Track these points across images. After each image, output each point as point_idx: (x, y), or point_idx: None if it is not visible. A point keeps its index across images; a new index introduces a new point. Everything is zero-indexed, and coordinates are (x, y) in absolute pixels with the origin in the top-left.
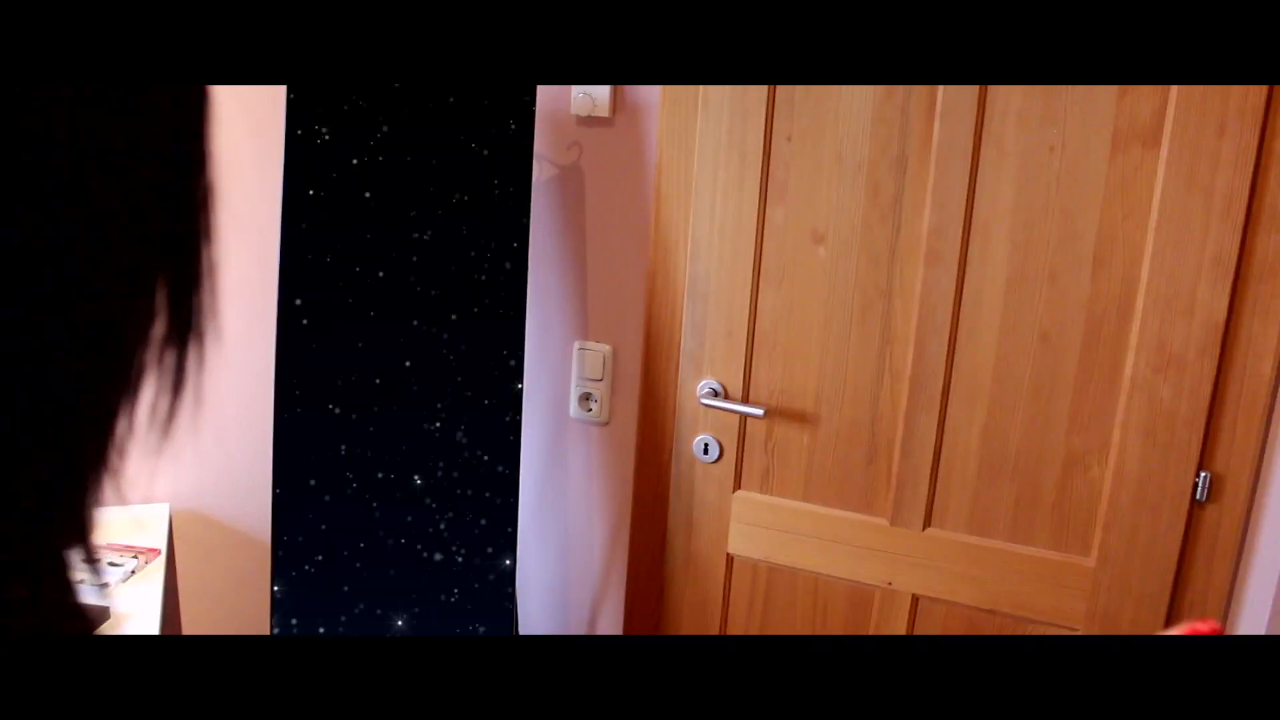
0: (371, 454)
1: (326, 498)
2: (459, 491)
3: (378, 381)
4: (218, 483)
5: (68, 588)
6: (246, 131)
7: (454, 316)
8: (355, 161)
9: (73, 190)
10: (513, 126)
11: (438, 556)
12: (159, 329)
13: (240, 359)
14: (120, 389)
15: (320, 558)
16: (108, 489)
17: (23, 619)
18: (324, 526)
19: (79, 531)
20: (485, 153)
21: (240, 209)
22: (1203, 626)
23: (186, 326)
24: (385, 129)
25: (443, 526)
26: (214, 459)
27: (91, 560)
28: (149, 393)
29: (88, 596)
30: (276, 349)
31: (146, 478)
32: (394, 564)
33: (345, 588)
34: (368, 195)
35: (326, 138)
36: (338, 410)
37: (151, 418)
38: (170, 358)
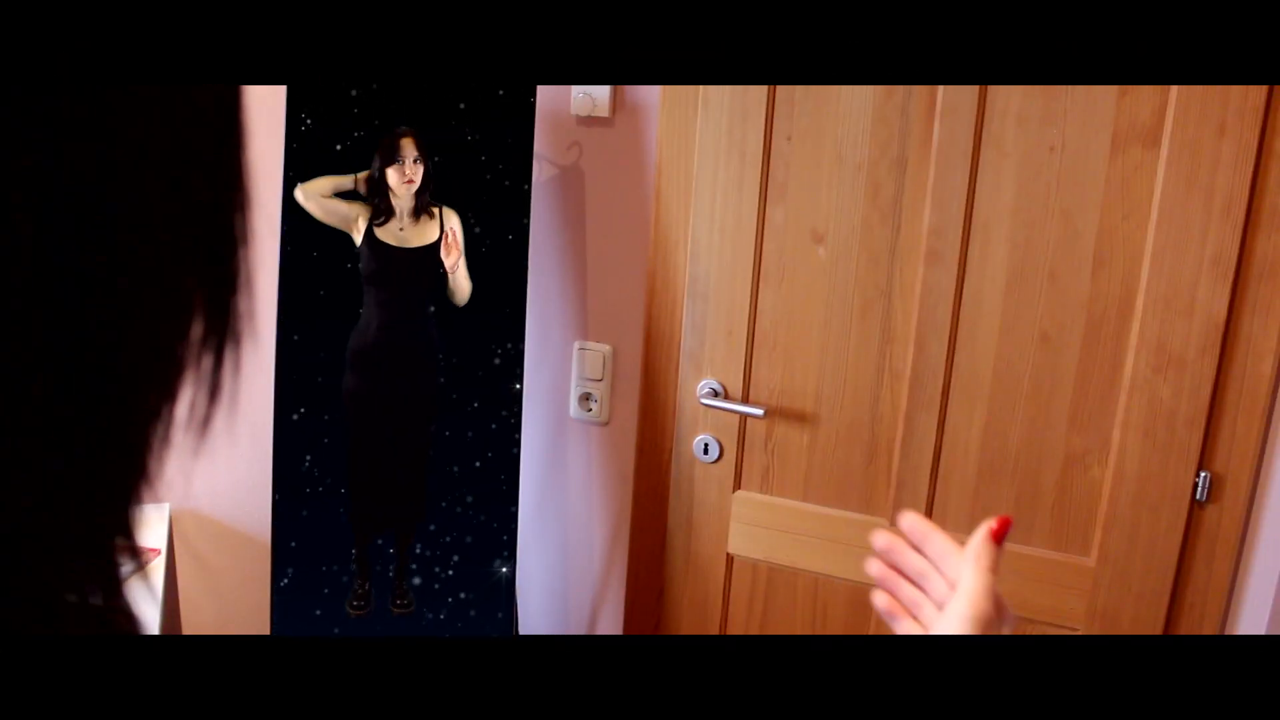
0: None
1: (324, 501)
2: (456, 497)
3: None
4: (217, 483)
5: (116, 589)
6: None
7: (452, 314)
8: (339, 148)
9: (112, 196)
10: (512, 119)
11: (435, 564)
12: (197, 332)
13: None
14: (160, 392)
15: (318, 561)
16: (145, 490)
17: (74, 621)
18: (322, 530)
19: (123, 533)
20: (483, 145)
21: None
22: (995, 524)
23: (224, 331)
24: (381, 123)
25: (440, 532)
26: (214, 459)
27: (136, 561)
28: (187, 395)
29: (136, 597)
30: (276, 349)
31: (184, 479)
32: (387, 572)
33: (342, 592)
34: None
35: (309, 124)
36: (336, 412)
37: (189, 420)
38: (208, 361)
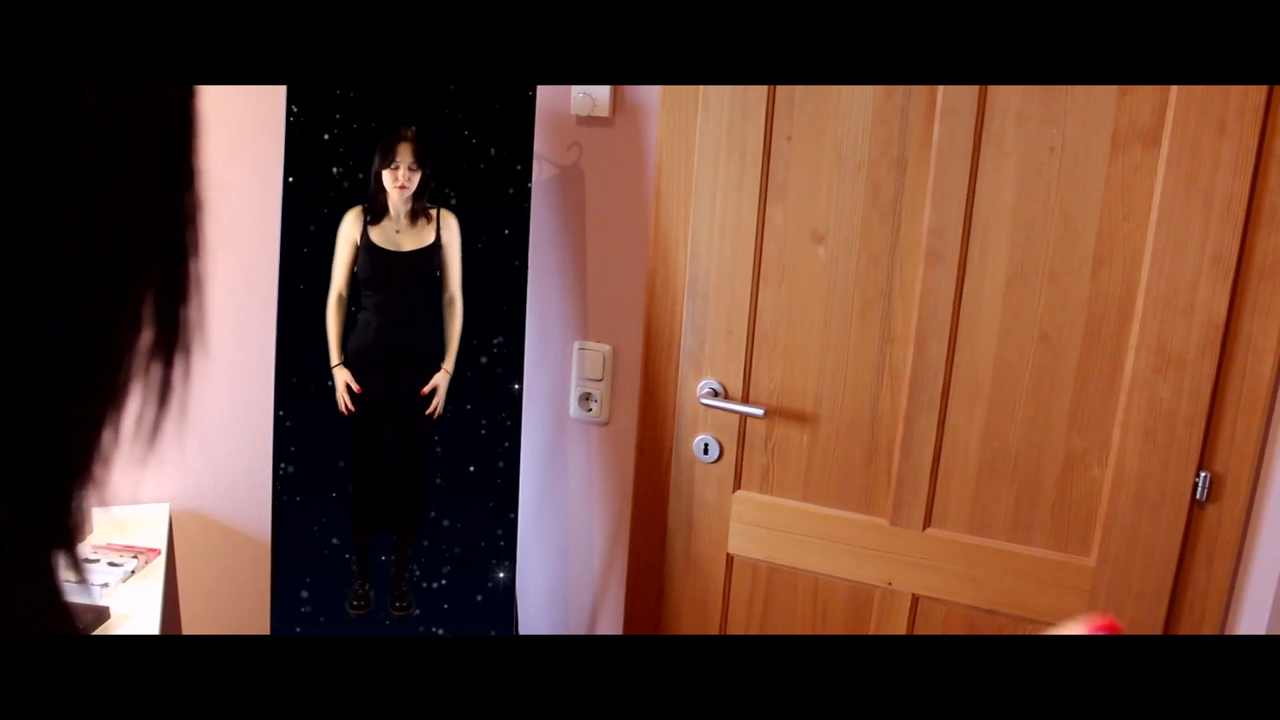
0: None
1: (324, 501)
2: (454, 499)
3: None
4: (217, 483)
5: (55, 591)
6: (239, 139)
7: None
8: (326, 137)
9: (60, 202)
10: (512, 115)
11: (434, 568)
12: (146, 341)
13: (241, 359)
14: (106, 399)
15: (317, 562)
16: (93, 496)
17: (9, 622)
18: (321, 530)
19: (64, 537)
20: (480, 138)
21: (232, 214)
22: (1101, 624)
23: (173, 339)
24: (372, 115)
25: (440, 535)
26: (214, 459)
27: (77, 565)
28: (135, 404)
29: (76, 597)
30: (275, 349)
31: (131, 486)
32: (387, 573)
33: (342, 593)
34: (340, 177)
35: (295, 113)
36: (335, 412)
37: (137, 428)
38: (157, 370)
